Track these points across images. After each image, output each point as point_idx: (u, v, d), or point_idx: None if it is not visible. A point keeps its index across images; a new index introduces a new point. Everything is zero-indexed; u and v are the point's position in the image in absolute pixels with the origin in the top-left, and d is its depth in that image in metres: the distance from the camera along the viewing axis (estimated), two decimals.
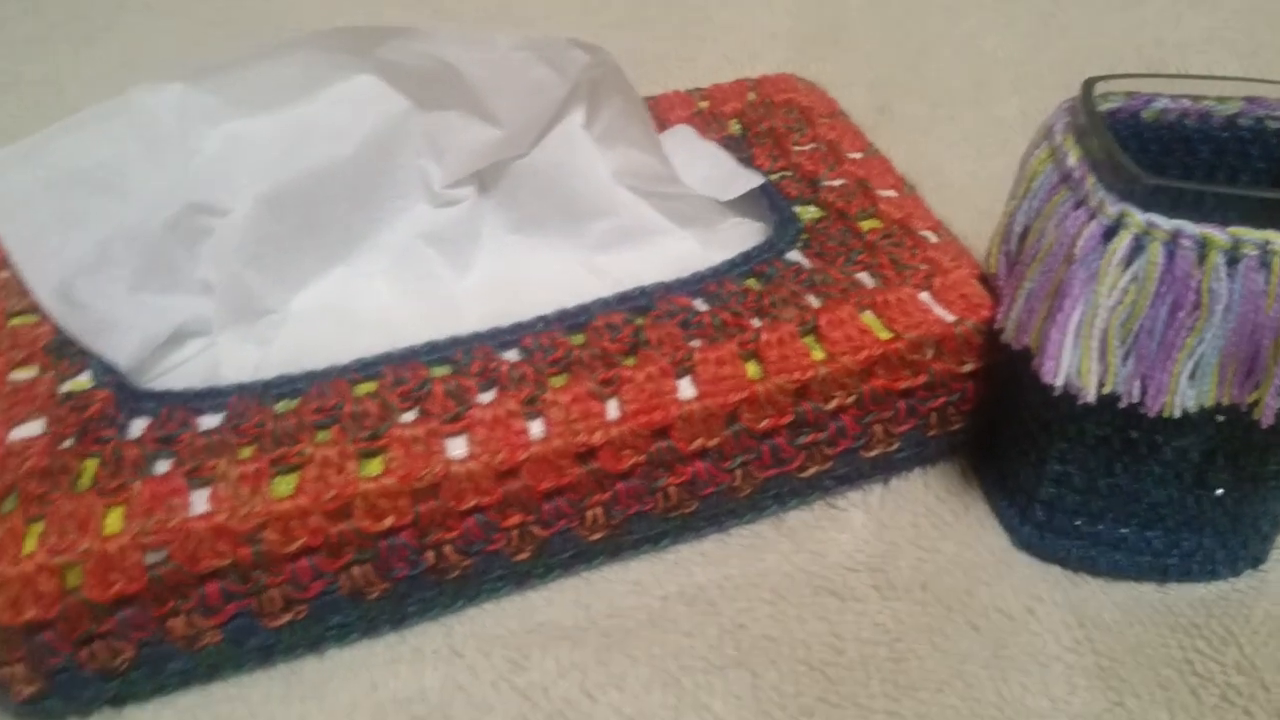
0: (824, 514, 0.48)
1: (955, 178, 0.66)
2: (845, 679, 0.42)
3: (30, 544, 0.37)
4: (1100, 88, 0.43)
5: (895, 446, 0.47)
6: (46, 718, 0.41)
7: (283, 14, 0.84)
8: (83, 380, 0.42)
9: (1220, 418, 0.40)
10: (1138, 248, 0.37)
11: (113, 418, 0.41)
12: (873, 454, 0.46)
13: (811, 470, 0.46)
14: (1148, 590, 0.45)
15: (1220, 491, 0.43)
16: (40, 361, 0.43)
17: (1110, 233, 0.38)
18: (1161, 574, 0.45)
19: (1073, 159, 0.40)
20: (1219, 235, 0.36)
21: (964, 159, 0.68)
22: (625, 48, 0.48)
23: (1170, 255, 0.37)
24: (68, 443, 0.40)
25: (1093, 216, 0.38)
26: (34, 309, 0.45)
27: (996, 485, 0.48)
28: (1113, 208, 0.38)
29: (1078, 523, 0.45)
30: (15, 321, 0.45)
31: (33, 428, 0.41)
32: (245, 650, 0.41)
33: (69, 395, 0.42)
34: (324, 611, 0.41)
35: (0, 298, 0.46)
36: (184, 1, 0.88)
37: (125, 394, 0.42)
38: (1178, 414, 0.39)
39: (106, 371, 0.43)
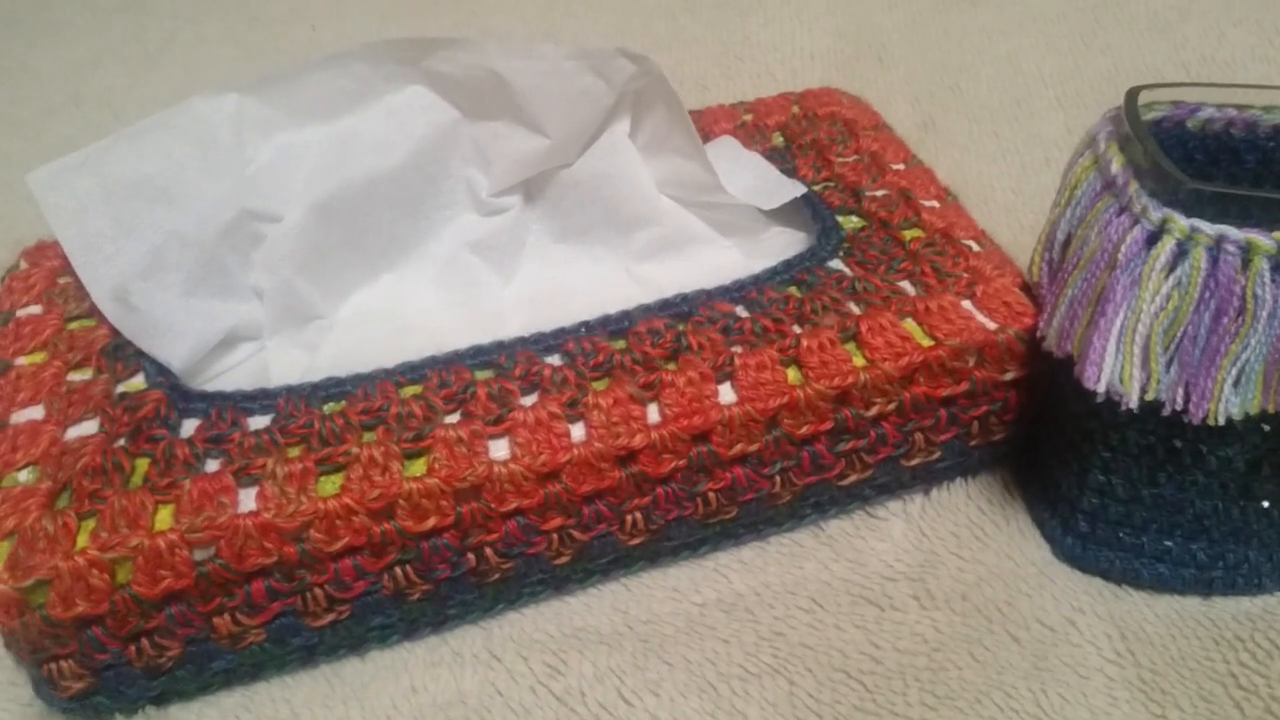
0: (864, 523, 0.48)
1: (999, 193, 0.66)
2: (883, 688, 0.42)
3: (82, 539, 0.37)
4: (1144, 97, 0.43)
5: (936, 455, 0.46)
6: (93, 714, 0.41)
7: (332, 42, 0.86)
8: (137, 382, 0.43)
9: (1266, 427, 0.40)
10: (1180, 253, 0.37)
11: (165, 418, 0.42)
12: (914, 463, 0.46)
13: (851, 478, 0.46)
14: (1192, 604, 0.44)
15: (1266, 504, 0.42)
16: (97, 364, 0.44)
17: (1153, 238, 0.38)
18: (1206, 587, 0.44)
19: (1116, 166, 0.40)
20: (1264, 240, 0.36)
21: (1007, 175, 0.68)
22: (667, 67, 0.48)
23: (1214, 261, 0.37)
24: (121, 442, 0.41)
25: (1135, 222, 0.38)
26: (92, 313, 0.46)
27: (1038, 496, 0.48)
28: (1156, 213, 0.38)
29: (1121, 534, 0.44)
30: (74, 325, 0.46)
31: (88, 427, 0.42)
32: (288, 650, 0.42)
33: (124, 396, 0.42)
34: (366, 612, 0.42)
35: (60, 302, 0.47)
36: (236, 28, 0.91)
37: (177, 395, 0.43)
38: (1222, 422, 0.39)
39: (160, 373, 0.44)
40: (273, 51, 0.86)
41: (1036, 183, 0.67)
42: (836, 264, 0.47)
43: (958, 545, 0.47)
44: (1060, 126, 0.72)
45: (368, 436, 0.41)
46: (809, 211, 0.51)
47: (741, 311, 0.45)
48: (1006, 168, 0.68)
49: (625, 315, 0.45)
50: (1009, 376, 0.45)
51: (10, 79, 0.85)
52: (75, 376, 0.44)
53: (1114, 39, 0.80)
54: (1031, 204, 0.65)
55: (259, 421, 0.42)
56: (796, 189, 0.51)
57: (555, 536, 0.42)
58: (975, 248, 0.48)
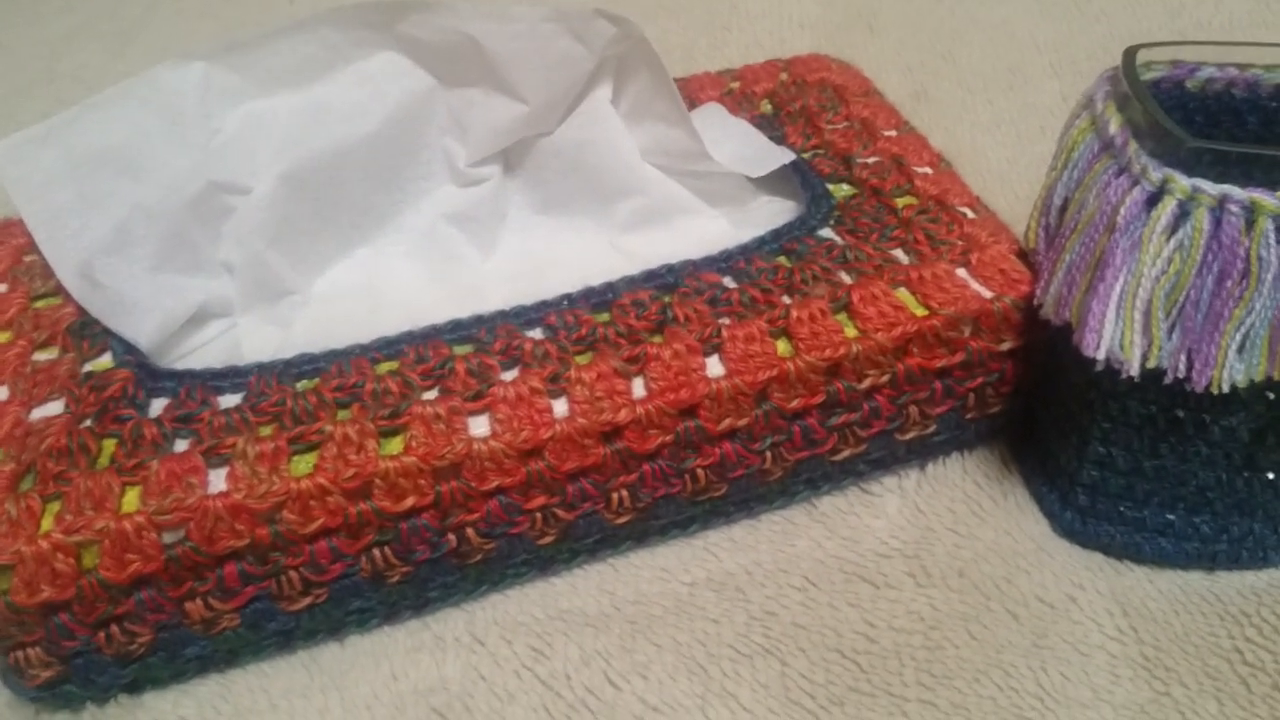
0: (858, 499, 0.47)
1: (993, 162, 0.65)
2: (878, 668, 0.41)
3: (47, 523, 0.36)
4: (1143, 56, 0.41)
5: (931, 429, 0.45)
6: (63, 703, 0.40)
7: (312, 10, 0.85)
8: (104, 361, 0.42)
9: (1271, 394, 0.39)
10: (1182, 214, 0.36)
11: (133, 397, 0.40)
12: (908, 436, 0.45)
13: (844, 453, 0.44)
14: (1195, 578, 0.43)
15: (1271, 475, 0.41)
16: (62, 343, 0.43)
17: (1153, 200, 0.37)
18: (1210, 561, 0.43)
19: (1114, 126, 0.39)
20: (1268, 200, 0.35)
21: (1002, 144, 0.67)
22: (651, 37, 0.47)
23: (1216, 222, 0.36)
24: (87, 422, 0.39)
25: (1135, 183, 0.37)
26: (58, 291, 0.44)
27: (1037, 470, 0.46)
28: (1156, 173, 0.36)
29: (1121, 508, 0.43)
30: (39, 304, 0.45)
31: (53, 407, 0.40)
32: (264, 635, 0.41)
33: (90, 375, 0.41)
34: (344, 595, 0.41)
35: (26, 280, 0.46)
36: (213, 3, 0.89)
37: (145, 374, 0.41)
38: (1225, 389, 0.38)
39: (127, 351, 0.42)
40: (250, 26, 0.83)
41: (1032, 152, 0.66)
42: (827, 232, 0.46)
43: (954, 521, 0.46)
44: (1055, 94, 0.70)
45: (342, 414, 0.39)
46: (798, 179, 0.50)
47: (729, 282, 0.44)
48: (1001, 137, 0.67)
49: (609, 287, 0.44)
50: (1005, 346, 0.44)
51: None
52: (41, 356, 0.43)
53: (1109, 5, 0.79)
54: (1027, 173, 0.64)
55: (230, 400, 0.41)
56: (785, 156, 0.49)
57: (539, 516, 0.41)
58: (970, 215, 0.47)
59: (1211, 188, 0.36)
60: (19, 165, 0.44)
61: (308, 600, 0.40)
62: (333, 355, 0.42)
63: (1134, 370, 0.38)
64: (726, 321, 0.42)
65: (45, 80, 0.80)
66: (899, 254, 0.45)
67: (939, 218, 0.46)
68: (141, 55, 0.83)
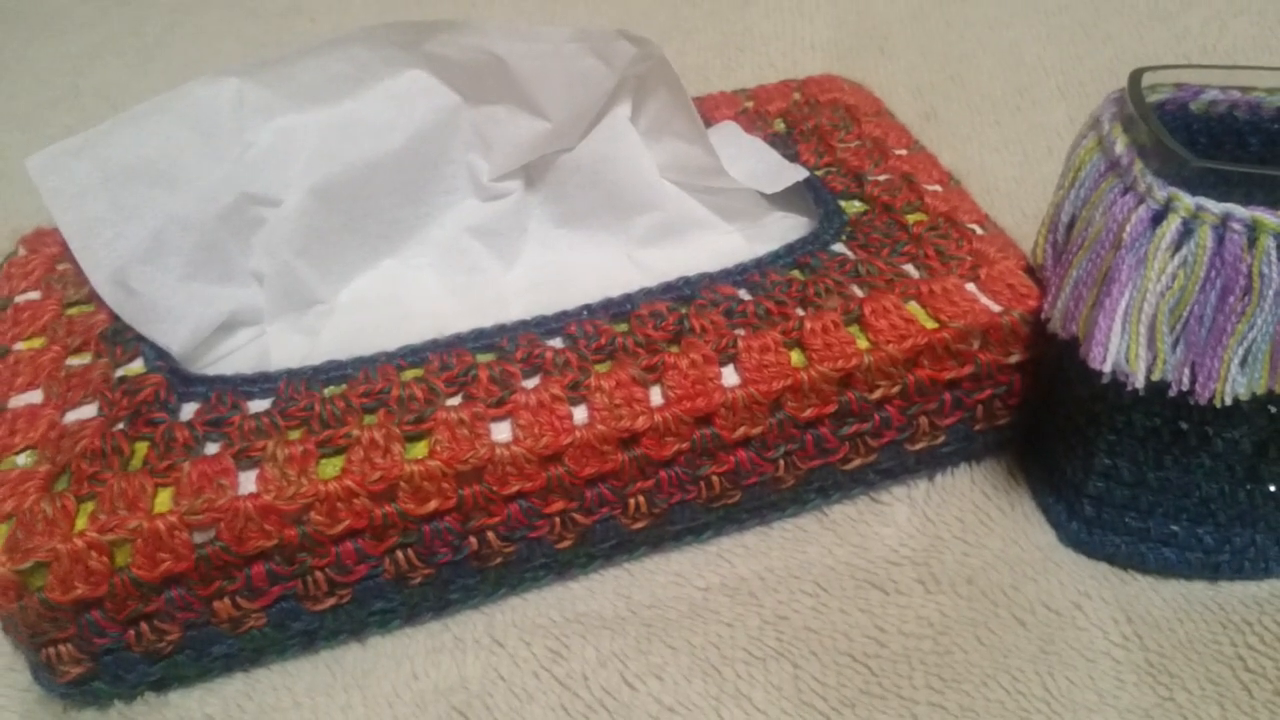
0: (867, 508, 0.48)
1: (1001, 182, 0.66)
2: (888, 671, 0.42)
3: (81, 522, 0.37)
4: (1148, 79, 0.43)
5: (941, 440, 0.46)
6: (92, 700, 0.41)
7: (331, 35, 0.86)
8: (136, 366, 0.43)
9: (1273, 408, 0.40)
10: (1186, 232, 0.37)
11: (164, 401, 0.41)
12: (918, 447, 0.46)
13: (855, 462, 0.45)
14: (1198, 588, 0.44)
15: (1273, 487, 0.42)
16: (95, 348, 0.44)
17: (1158, 217, 0.38)
18: (1213, 571, 0.44)
19: (1120, 146, 0.40)
20: (1270, 218, 0.36)
21: (1010, 164, 0.68)
22: (667, 57, 0.48)
23: (1220, 239, 0.37)
24: (120, 425, 0.40)
25: (1141, 201, 0.38)
26: (91, 299, 0.46)
27: (1043, 481, 0.47)
28: (1161, 192, 0.38)
29: (1126, 519, 0.44)
30: (73, 310, 0.46)
31: (87, 411, 0.41)
32: (289, 635, 0.42)
33: (123, 380, 0.42)
34: (367, 596, 0.42)
35: (59, 288, 0.47)
36: (235, 21, 0.90)
37: (177, 379, 0.42)
38: (1228, 402, 0.38)
39: (159, 357, 0.43)
40: (271, 44, 0.86)
41: (1039, 172, 0.67)
42: (839, 247, 0.47)
43: (962, 530, 0.47)
44: (1062, 116, 0.72)
45: (369, 419, 0.40)
46: (811, 196, 0.51)
47: (744, 294, 0.45)
48: (1009, 157, 0.68)
49: (627, 298, 0.45)
50: (1013, 359, 0.45)
51: (8, 72, 0.85)
52: (74, 361, 0.44)
53: (1115, 29, 0.80)
54: (1034, 193, 0.65)
55: (259, 405, 0.42)
56: (799, 173, 0.51)
57: (557, 520, 0.42)
58: (979, 231, 0.48)
59: (1215, 206, 0.37)
60: (55, 175, 0.45)
61: (332, 601, 0.41)
62: (359, 362, 0.43)
63: (1139, 383, 0.39)
64: (742, 332, 0.43)
65: (70, 96, 0.81)
66: (910, 269, 0.46)
67: (949, 234, 0.47)
68: (164, 72, 0.84)
